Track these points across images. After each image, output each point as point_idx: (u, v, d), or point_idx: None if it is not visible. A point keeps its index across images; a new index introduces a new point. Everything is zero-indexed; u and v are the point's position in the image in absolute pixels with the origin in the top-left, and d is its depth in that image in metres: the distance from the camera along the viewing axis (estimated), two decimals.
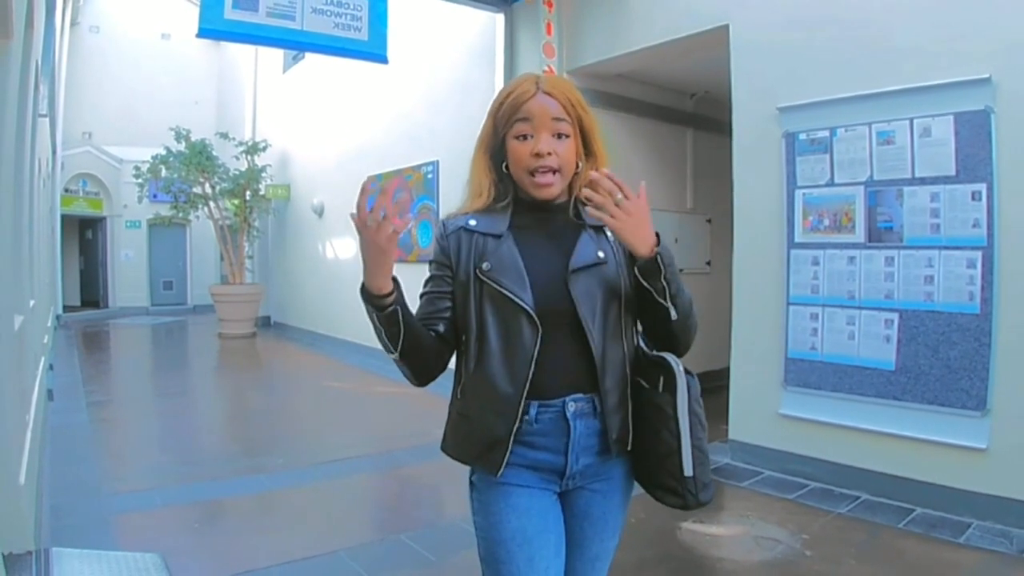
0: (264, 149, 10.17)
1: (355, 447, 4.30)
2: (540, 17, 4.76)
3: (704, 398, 1.20)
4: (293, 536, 2.90)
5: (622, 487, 1.26)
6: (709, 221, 5.94)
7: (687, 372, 1.21)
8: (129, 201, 12.46)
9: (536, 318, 1.14)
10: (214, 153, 10.08)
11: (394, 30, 4.32)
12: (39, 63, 3.90)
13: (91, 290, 14.00)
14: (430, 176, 6.58)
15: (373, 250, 1.08)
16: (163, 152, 9.89)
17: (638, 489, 1.28)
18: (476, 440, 1.19)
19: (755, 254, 3.74)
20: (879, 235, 3.20)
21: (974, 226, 2.90)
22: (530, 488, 1.19)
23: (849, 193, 3.29)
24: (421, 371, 1.22)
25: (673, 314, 1.17)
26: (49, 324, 7.78)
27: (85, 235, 14.33)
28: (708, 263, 5.91)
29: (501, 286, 1.15)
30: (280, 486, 3.56)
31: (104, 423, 4.92)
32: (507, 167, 1.21)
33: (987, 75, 2.83)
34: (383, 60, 4.31)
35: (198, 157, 9.80)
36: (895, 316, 3.15)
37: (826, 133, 3.37)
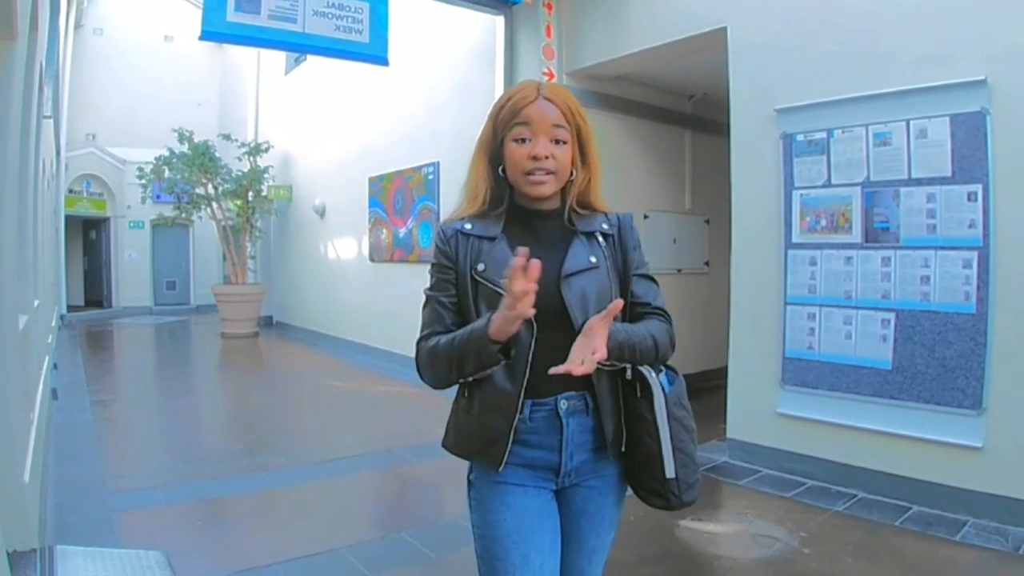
0: (266, 150, 10.21)
1: (356, 446, 4.32)
2: (540, 20, 4.79)
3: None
4: (295, 534, 2.91)
5: (617, 484, 1.29)
6: (707, 222, 5.97)
7: (672, 371, 1.27)
8: (133, 202, 12.54)
9: (532, 318, 1.13)
10: (217, 154, 10.11)
11: (395, 32, 4.36)
12: (43, 65, 3.91)
13: (95, 290, 14.06)
14: (431, 177, 6.61)
15: (515, 319, 1.07)
16: (166, 153, 9.92)
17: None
18: (478, 436, 1.21)
19: (753, 254, 3.75)
20: (876, 235, 3.22)
21: (970, 227, 2.92)
22: (526, 487, 1.21)
23: (846, 194, 3.31)
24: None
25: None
26: (53, 324, 7.82)
27: (89, 236, 14.39)
28: (706, 263, 5.93)
29: (497, 286, 1.17)
30: (282, 484, 3.57)
31: (108, 422, 4.95)
32: (504, 171, 1.23)
33: (983, 77, 2.85)
34: (384, 62, 4.35)
35: (201, 158, 9.83)
36: (891, 316, 3.17)
37: (823, 134, 3.39)
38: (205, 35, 3.81)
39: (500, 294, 1.15)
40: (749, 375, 3.77)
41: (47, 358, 5.27)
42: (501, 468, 1.19)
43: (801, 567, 2.55)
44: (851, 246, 3.31)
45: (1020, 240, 2.80)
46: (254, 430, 5.11)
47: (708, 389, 4.28)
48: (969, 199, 2.92)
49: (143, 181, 10.18)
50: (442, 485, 3.63)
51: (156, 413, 5.53)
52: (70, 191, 12.40)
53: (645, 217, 5.30)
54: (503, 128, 1.21)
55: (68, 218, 11.97)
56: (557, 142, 1.19)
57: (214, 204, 10.15)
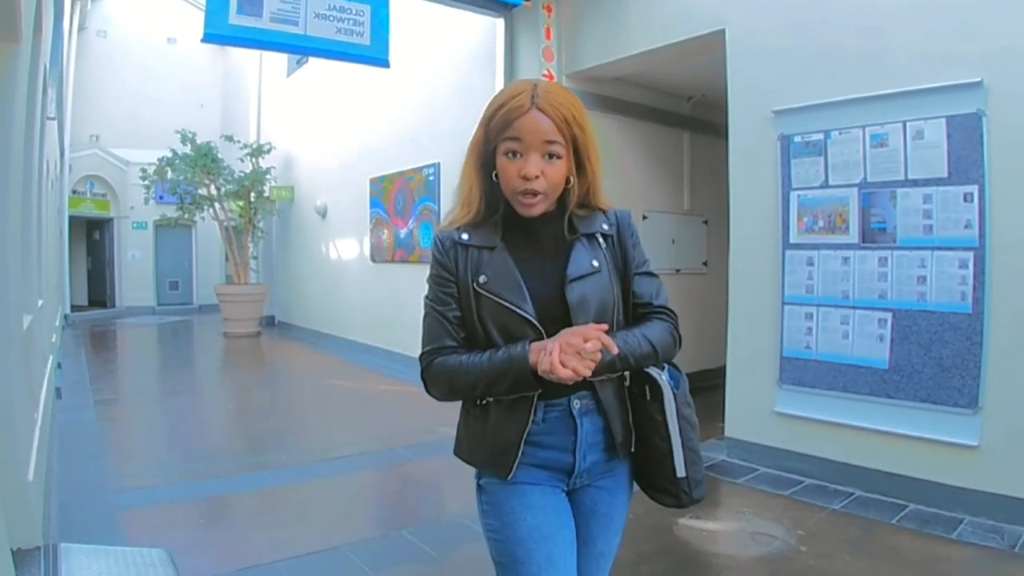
0: (268, 151, 10.24)
1: (358, 444, 4.34)
2: (539, 22, 4.81)
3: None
4: (297, 532, 2.92)
5: (626, 484, 1.28)
6: (706, 222, 5.99)
7: (676, 369, 1.25)
8: (136, 203, 12.56)
9: (539, 325, 1.14)
10: (219, 155, 10.15)
11: (396, 35, 4.39)
12: (47, 67, 3.92)
13: (98, 290, 14.10)
14: (431, 178, 6.64)
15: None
16: (169, 154, 9.96)
17: (635, 486, 1.32)
18: (489, 445, 1.20)
19: (751, 255, 3.77)
20: (873, 236, 3.24)
21: (966, 227, 2.93)
22: (541, 485, 1.19)
23: (843, 195, 3.33)
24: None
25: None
26: (57, 323, 7.86)
27: (92, 236, 14.43)
28: (704, 263, 5.96)
29: (501, 298, 1.15)
30: (284, 483, 3.59)
31: (111, 421, 4.98)
32: (496, 176, 1.19)
33: (979, 79, 2.86)
34: (385, 64, 4.37)
35: (203, 159, 9.87)
36: (888, 315, 3.19)
37: (820, 136, 3.41)
38: (207, 37, 3.84)
39: (504, 307, 1.15)
40: (747, 374, 3.79)
41: (51, 357, 5.29)
42: (509, 477, 1.17)
43: (798, 564, 2.56)
44: (848, 246, 3.32)
45: (1015, 240, 2.81)
46: (256, 429, 5.13)
47: (706, 388, 4.27)
48: (965, 200, 2.93)
49: (146, 182, 10.21)
50: (443, 484, 3.64)
51: (159, 412, 5.56)
52: (74, 192, 12.44)
53: (644, 218, 5.32)
54: (495, 137, 1.16)
55: (72, 219, 12.00)
56: (550, 157, 1.14)
57: (216, 205, 10.19)
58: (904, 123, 3.10)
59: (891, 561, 2.59)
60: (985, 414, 2.89)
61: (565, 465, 1.20)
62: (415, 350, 1.27)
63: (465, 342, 1.21)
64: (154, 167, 10.10)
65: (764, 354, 3.67)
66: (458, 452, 1.27)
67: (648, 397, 1.20)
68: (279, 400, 6.30)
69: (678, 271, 5.65)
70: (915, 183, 3.08)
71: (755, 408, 3.72)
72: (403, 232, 7.19)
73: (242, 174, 10.15)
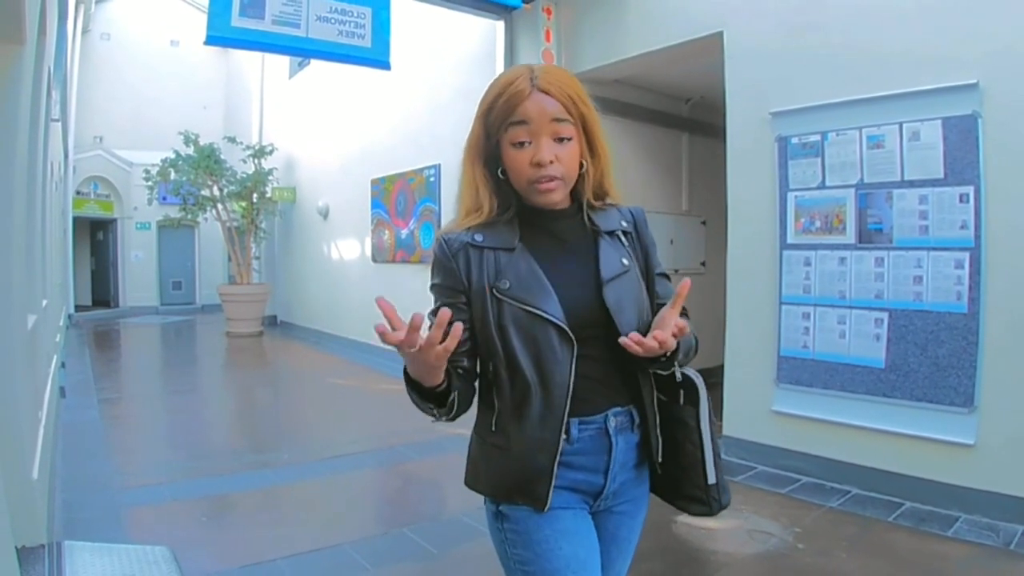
0: (270, 153, 10.28)
1: (359, 443, 4.36)
2: (539, 24, 4.84)
3: None
4: (299, 529, 2.94)
5: (645, 504, 1.22)
6: (704, 223, 6.01)
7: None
8: (139, 203, 12.60)
9: (570, 332, 1.04)
10: (222, 157, 10.19)
11: (396, 37, 4.42)
12: (51, 69, 3.95)
13: (102, 290, 14.15)
14: (432, 179, 6.67)
15: (419, 366, 0.95)
16: (172, 156, 10.00)
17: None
18: (516, 473, 1.07)
19: (748, 255, 3.79)
20: (869, 236, 3.26)
21: (962, 228, 2.94)
22: (573, 509, 1.10)
23: (840, 195, 3.35)
24: (457, 415, 1.10)
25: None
26: (61, 323, 7.88)
27: (96, 236, 14.48)
28: (703, 263, 5.98)
29: (525, 303, 1.05)
30: (286, 481, 3.61)
31: (115, 419, 5.00)
32: (504, 172, 1.08)
33: (975, 80, 2.87)
34: (386, 66, 4.40)
35: (206, 160, 9.90)
36: (885, 315, 3.21)
37: (817, 137, 3.43)
38: (210, 40, 3.87)
39: (531, 311, 1.05)
40: (745, 373, 3.81)
41: (55, 357, 5.32)
42: (546, 509, 1.06)
43: (796, 562, 2.58)
44: (845, 247, 3.34)
45: (1011, 241, 2.83)
46: (258, 428, 5.17)
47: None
48: (961, 201, 2.95)
49: (149, 183, 10.26)
50: (443, 482, 3.66)
51: (162, 411, 5.59)
52: (78, 193, 12.51)
53: None
54: (496, 129, 1.06)
55: (76, 219, 12.07)
56: (561, 139, 1.05)
57: (219, 206, 10.24)
58: (900, 125, 3.12)
59: (887, 558, 2.60)
60: (981, 413, 2.91)
61: (595, 487, 1.11)
62: None
63: (468, 354, 1.09)
64: (157, 168, 10.14)
65: (761, 353, 3.69)
66: (474, 485, 1.15)
67: (682, 401, 1.13)
68: (281, 399, 6.34)
69: (676, 271, 5.66)
70: (911, 184, 3.09)
71: (753, 407, 3.74)
72: (404, 233, 7.22)
73: (244, 175, 10.18)
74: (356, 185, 8.24)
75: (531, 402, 1.05)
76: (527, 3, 4.94)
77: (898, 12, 3.13)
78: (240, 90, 12.93)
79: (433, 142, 6.58)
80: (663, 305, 1.16)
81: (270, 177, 10.26)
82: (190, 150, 10.00)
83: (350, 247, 8.66)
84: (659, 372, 1.12)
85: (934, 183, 3.02)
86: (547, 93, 1.04)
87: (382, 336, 0.85)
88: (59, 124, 6.32)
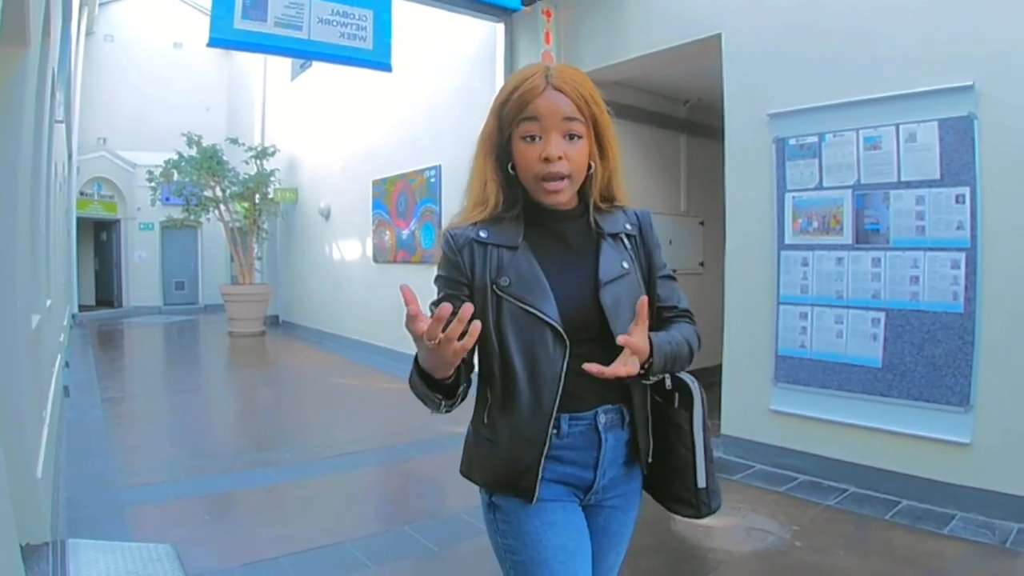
0: (273, 154, 10.32)
1: (360, 441, 4.37)
2: (539, 27, 4.87)
3: None
4: (301, 527, 2.96)
5: (638, 499, 1.23)
6: (702, 223, 6.03)
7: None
8: (142, 204, 12.64)
9: (563, 332, 1.06)
10: (224, 158, 10.24)
11: (397, 39, 4.45)
12: (55, 71, 3.96)
13: (105, 290, 14.22)
14: (433, 180, 6.70)
15: (435, 359, 0.95)
16: (175, 157, 10.04)
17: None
18: (504, 467, 1.11)
19: (746, 255, 3.80)
20: (866, 237, 3.27)
21: (958, 228, 2.96)
22: (562, 501, 1.12)
23: (837, 196, 3.36)
24: (454, 407, 1.10)
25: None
26: (65, 323, 7.90)
27: (100, 237, 14.55)
28: (701, 264, 6.00)
29: (523, 302, 1.06)
30: (288, 479, 3.63)
31: (118, 418, 5.03)
32: (513, 167, 1.10)
33: (971, 82, 2.89)
34: (387, 68, 4.43)
35: (209, 162, 9.95)
36: (882, 315, 3.22)
37: (815, 138, 3.44)
38: (213, 42, 3.90)
39: (527, 310, 1.07)
40: (742, 373, 3.82)
41: (59, 356, 5.34)
42: (534, 503, 1.09)
43: (793, 560, 2.59)
44: (842, 247, 3.36)
45: (1006, 241, 2.84)
46: (261, 426, 5.19)
47: (703, 386, 4.34)
48: (957, 201, 2.96)
49: (152, 184, 10.30)
50: (444, 480, 3.68)
51: (165, 410, 5.61)
52: (81, 194, 12.57)
53: None
54: (509, 123, 1.07)
55: (79, 220, 12.15)
56: (571, 137, 1.06)
57: (222, 206, 10.28)
58: (897, 126, 3.14)
59: (884, 556, 2.62)
60: (977, 412, 2.92)
61: (584, 482, 1.13)
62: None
63: (472, 352, 1.07)
64: (160, 169, 10.19)
65: (759, 353, 3.71)
66: (468, 474, 1.18)
67: (676, 404, 1.15)
68: (283, 398, 6.37)
69: (675, 271, 5.63)
70: (908, 185, 3.11)
71: (751, 406, 3.76)
72: (405, 233, 7.25)
73: (247, 176, 10.22)
74: (357, 186, 8.27)
75: (520, 398, 1.08)
76: (527, 5, 4.97)
77: (895, 14, 3.15)
78: (242, 92, 12.98)
79: (434, 143, 6.62)
80: (662, 308, 1.20)
81: (272, 178, 10.30)
82: (193, 151, 10.05)
83: (351, 247, 8.70)
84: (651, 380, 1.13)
85: (930, 184, 3.04)
86: (561, 91, 1.05)
87: (412, 319, 0.86)
88: (63, 125, 6.36)
